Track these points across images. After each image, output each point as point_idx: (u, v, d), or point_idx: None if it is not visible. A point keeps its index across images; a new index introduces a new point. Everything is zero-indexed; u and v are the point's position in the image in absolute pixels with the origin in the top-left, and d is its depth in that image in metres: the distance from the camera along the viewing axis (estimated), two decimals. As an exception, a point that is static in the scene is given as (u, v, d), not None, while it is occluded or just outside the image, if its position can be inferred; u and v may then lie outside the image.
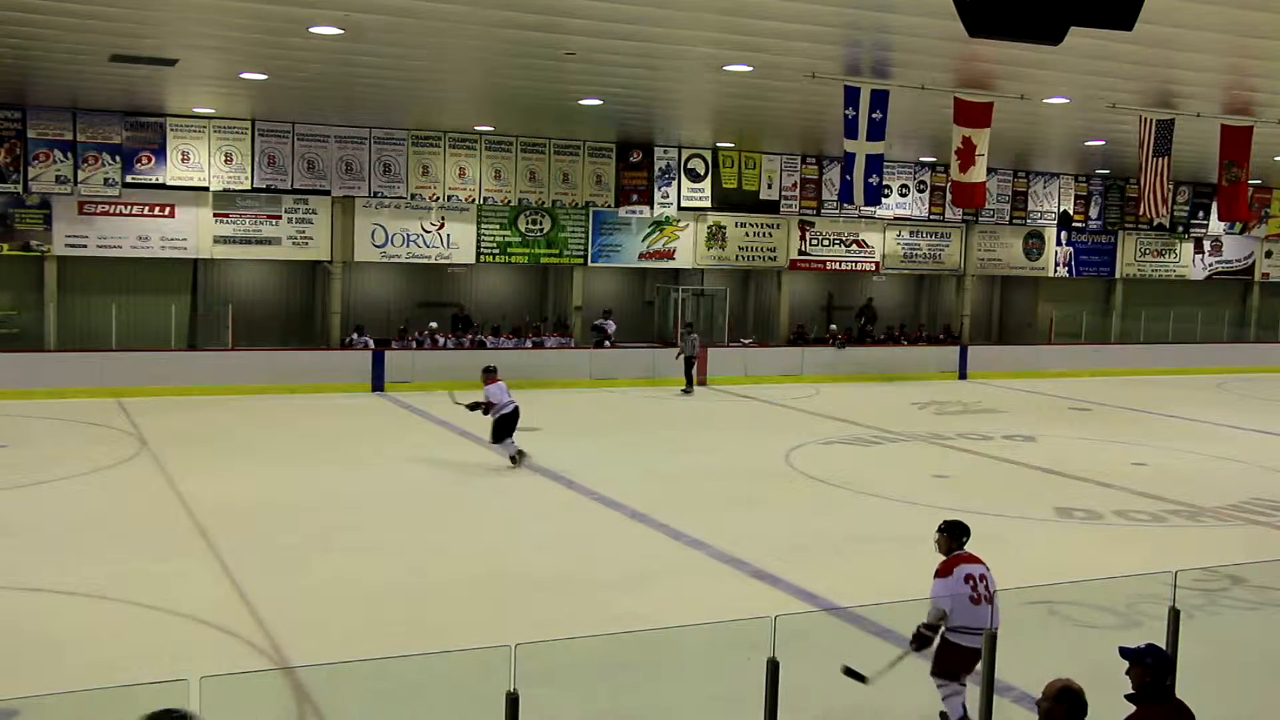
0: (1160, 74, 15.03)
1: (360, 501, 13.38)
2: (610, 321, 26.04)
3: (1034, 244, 30.63)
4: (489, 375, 16.08)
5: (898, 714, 7.92)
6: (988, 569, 7.50)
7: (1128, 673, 5.20)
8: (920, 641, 7.36)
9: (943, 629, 7.28)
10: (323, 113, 21.43)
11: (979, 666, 6.53)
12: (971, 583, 7.38)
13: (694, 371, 24.08)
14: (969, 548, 7.75)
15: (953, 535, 7.68)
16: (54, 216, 21.50)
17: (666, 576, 10.73)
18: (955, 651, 7.21)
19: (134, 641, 8.74)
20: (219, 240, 22.57)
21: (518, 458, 15.55)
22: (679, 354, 23.85)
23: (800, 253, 27.81)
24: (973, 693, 6.62)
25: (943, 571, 7.52)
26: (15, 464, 14.78)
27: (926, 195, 28.38)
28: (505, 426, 15.63)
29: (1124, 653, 5.21)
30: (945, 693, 7.32)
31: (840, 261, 28.42)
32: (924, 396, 23.87)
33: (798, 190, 27.00)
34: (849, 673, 7.33)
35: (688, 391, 23.56)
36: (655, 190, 25.57)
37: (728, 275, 27.81)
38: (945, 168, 17.10)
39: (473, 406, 15.87)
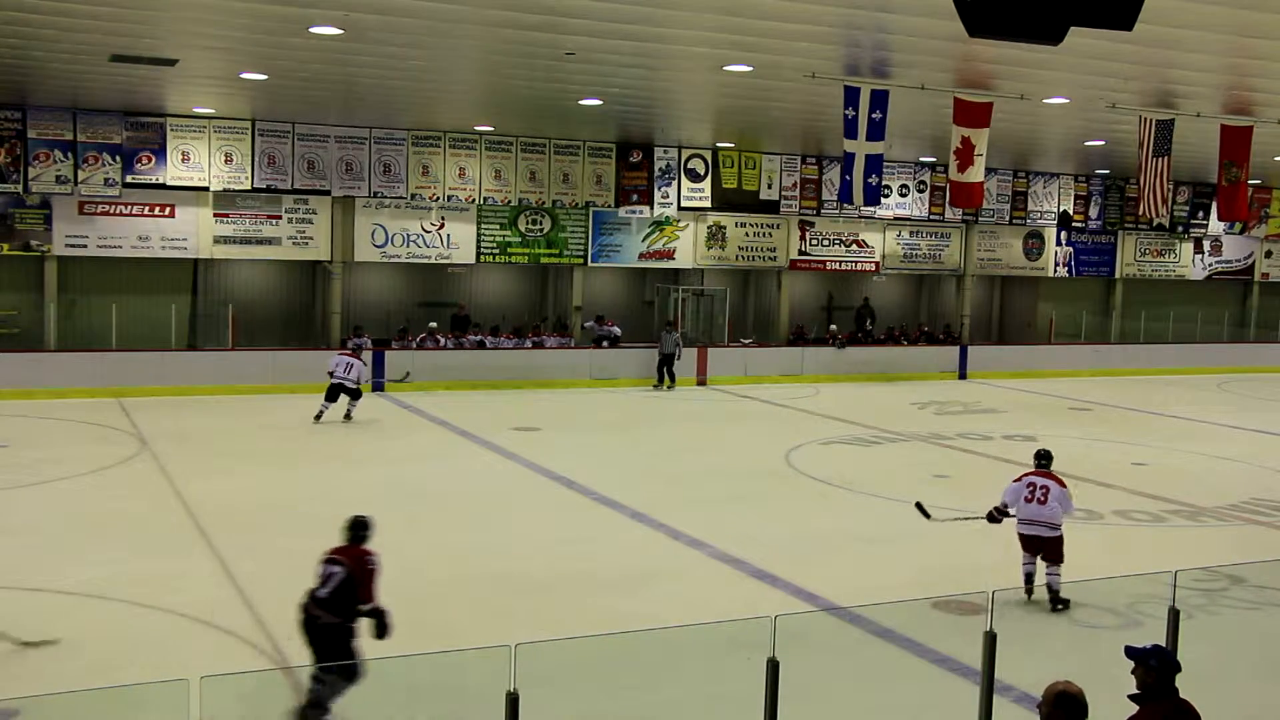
0: (1160, 74, 15.03)
1: (360, 501, 13.33)
2: (609, 328, 25.97)
3: (1034, 244, 30.63)
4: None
5: (890, 714, 7.93)
6: (1055, 483, 10.06)
7: (1133, 672, 5.20)
8: (990, 517, 10.32)
9: (1016, 517, 10.09)
10: (323, 113, 21.43)
11: (1038, 574, 9.74)
12: (1031, 489, 10.05)
13: (671, 369, 24.11)
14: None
15: (1036, 458, 10.62)
16: (54, 216, 21.49)
17: (666, 576, 10.73)
18: (1020, 535, 10.08)
19: (134, 641, 8.75)
20: (219, 240, 22.57)
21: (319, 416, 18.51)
22: (658, 351, 24.22)
23: (800, 253, 27.81)
24: (973, 692, 6.62)
25: (1017, 479, 10.34)
26: (15, 464, 14.78)
27: (926, 195, 28.38)
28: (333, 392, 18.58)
29: (1129, 652, 5.21)
30: (1023, 560, 10.11)
31: (840, 261, 28.42)
32: (924, 396, 23.87)
33: (798, 190, 27.00)
34: (919, 508, 10.63)
35: (660, 388, 23.84)
36: (655, 190, 25.57)
37: (728, 275, 27.81)
38: (945, 168, 17.12)
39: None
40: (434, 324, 24.42)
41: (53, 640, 8.39)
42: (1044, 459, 10.51)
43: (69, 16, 13.03)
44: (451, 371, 23.03)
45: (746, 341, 27.53)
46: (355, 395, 18.91)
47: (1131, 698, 5.14)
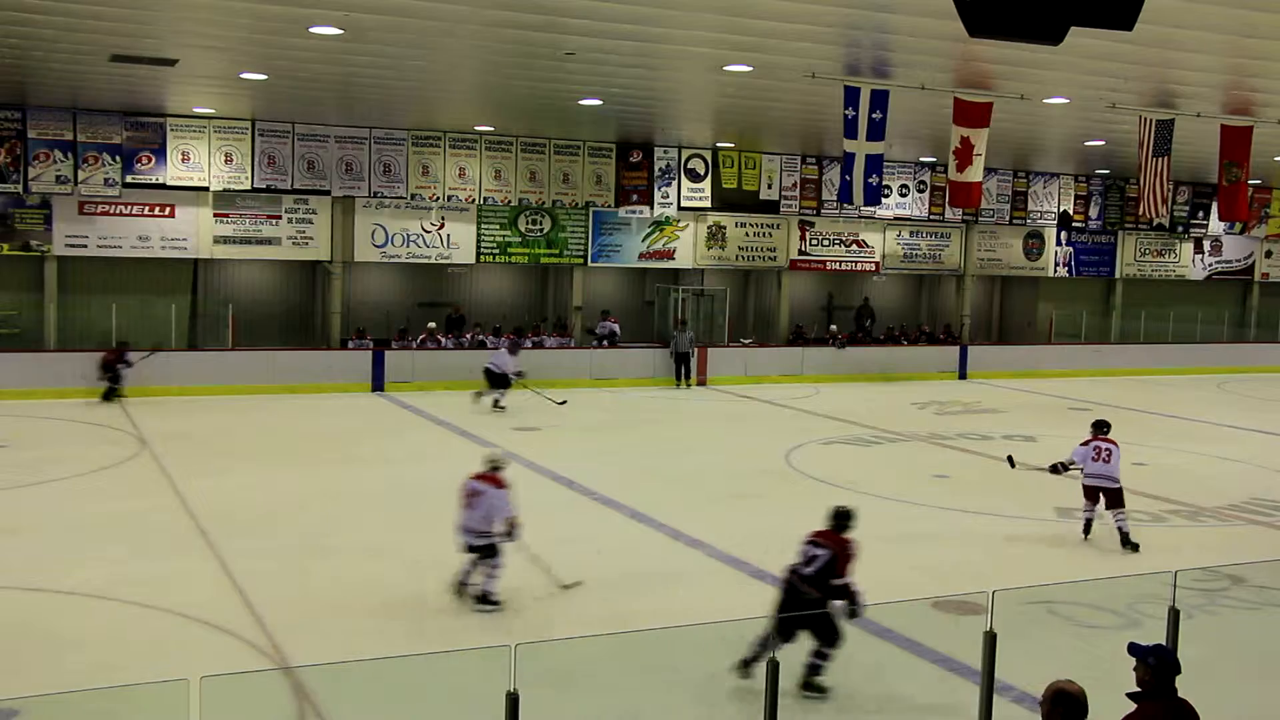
0: (1160, 74, 15.04)
1: (360, 501, 13.38)
2: (610, 324, 26.02)
3: (1034, 244, 30.63)
4: None
5: (890, 715, 7.93)
6: (1116, 447, 12.24)
7: (1135, 669, 5.22)
8: (1053, 469, 12.66)
9: (1080, 472, 12.32)
10: (323, 113, 21.43)
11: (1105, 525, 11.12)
12: (1097, 451, 12.18)
13: (688, 367, 24.25)
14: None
15: (1096, 426, 12.63)
16: (54, 216, 21.50)
17: (666, 576, 10.73)
18: (1085, 487, 12.26)
19: (134, 641, 8.74)
20: (219, 240, 22.58)
21: None
22: (670, 351, 24.38)
23: (800, 253, 27.81)
24: (973, 692, 6.62)
25: (1084, 443, 12.41)
26: (15, 464, 14.78)
27: (926, 195, 28.38)
28: None
29: (1132, 649, 5.24)
30: (1085, 509, 12.28)
31: (840, 261, 28.42)
32: (924, 396, 23.87)
33: (798, 190, 27.00)
34: (1010, 461, 13.19)
35: (680, 387, 24.00)
36: (655, 190, 25.57)
37: (728, 275, 27.81)
38: (945, 168, 17.14)
39: None
40: (433, 324, 24.44)
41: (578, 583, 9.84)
42: (1104, 427, 12.56)
43: (69, 16, 13.03)
44: (451, 371, 23.01)
45: (746, 341, 27.53)
46: (505, 385, 20.40)
47: (1130, 696, 5.15)
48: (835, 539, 8.32)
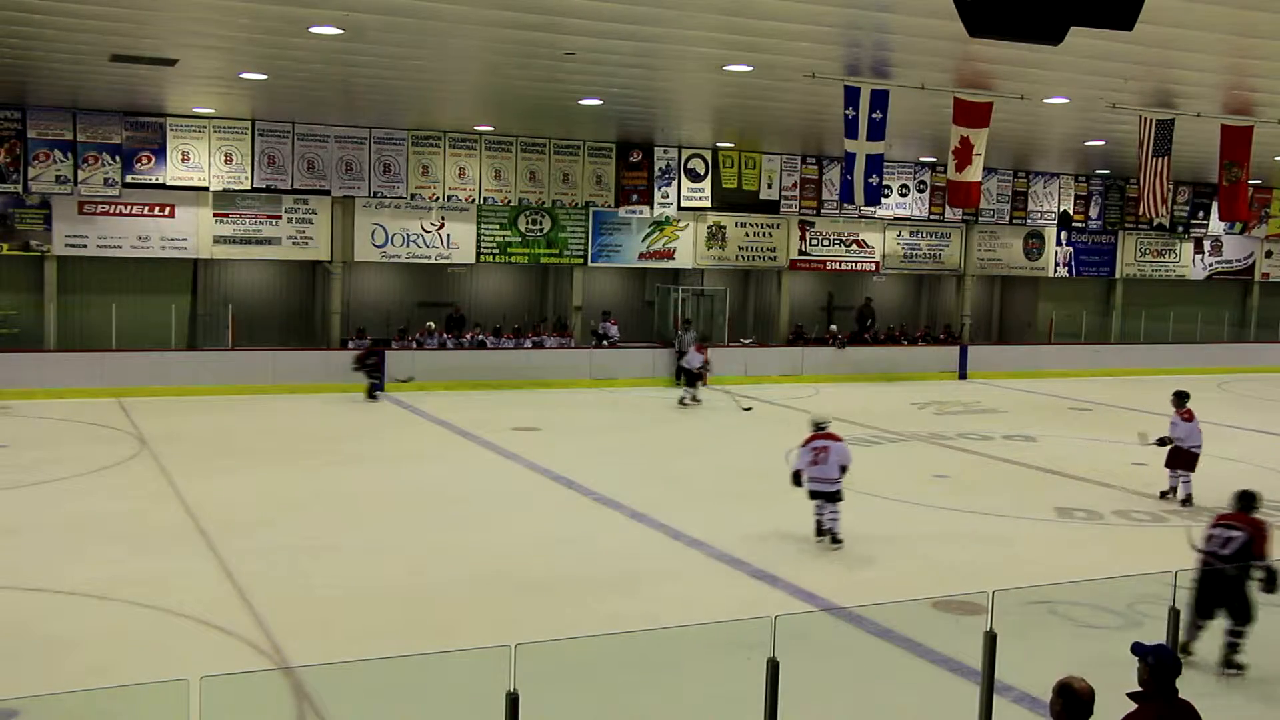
0: (1160, 74, 15.03)
1: (360, 501, 13.38)
2: (610, 325, 26.05)
3: (1034, 244, 30.63)
4: None
5: (890, 715, 7.93)
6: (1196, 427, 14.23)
7: (1137, 669, 5.24)
8: (1160, 440, 14.33)
9: (1179, 446, 14.20)
10: (323, 113, 21.43)
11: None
12: (1188, 416, 14.26)
13: (689, 376, 24.21)
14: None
15: (1178, 396, 14.60)
16: (54, 216, 21.50)
17: (667, 576, 10.73)
18: (1182, 454, 14.25)
19: (134, 641, 8.75)
20: (219, 240, 22.57)
21: None
22: (676, 352, 24.40)
23: (800, 253, 27.81)
24: (973, 692, 6.62)
25: (1188, 417, 14.26)
26: (15, 464, 14.78)
27: (926, 195, 28.38)
28: None
29: (1134, 649, 5.26)
30: (1170, 475, 14.34)
31: (840, 261, 28.42)
32: (924, 396, 23.87)
33: (798, 190, 27.00)
34: (1142, 437, 14.49)
35: (679, 386, 23.96)
36: (655, 190, 25.57)
37: (728, 275, 27.81)
38: (945, 168, 17.14)
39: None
40: (432, 324, 24.46)
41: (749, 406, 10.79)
42: (1185, 398, 14.55)
43: (69, 16, 13.03)
44: (451, 371, 23.03)
45: (746, 341, 27.53)
46: (696, 381, 22.02)
47: (1131, 696, 5.16)
48: (1249, 520, 8.78)
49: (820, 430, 12.14)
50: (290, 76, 16.96)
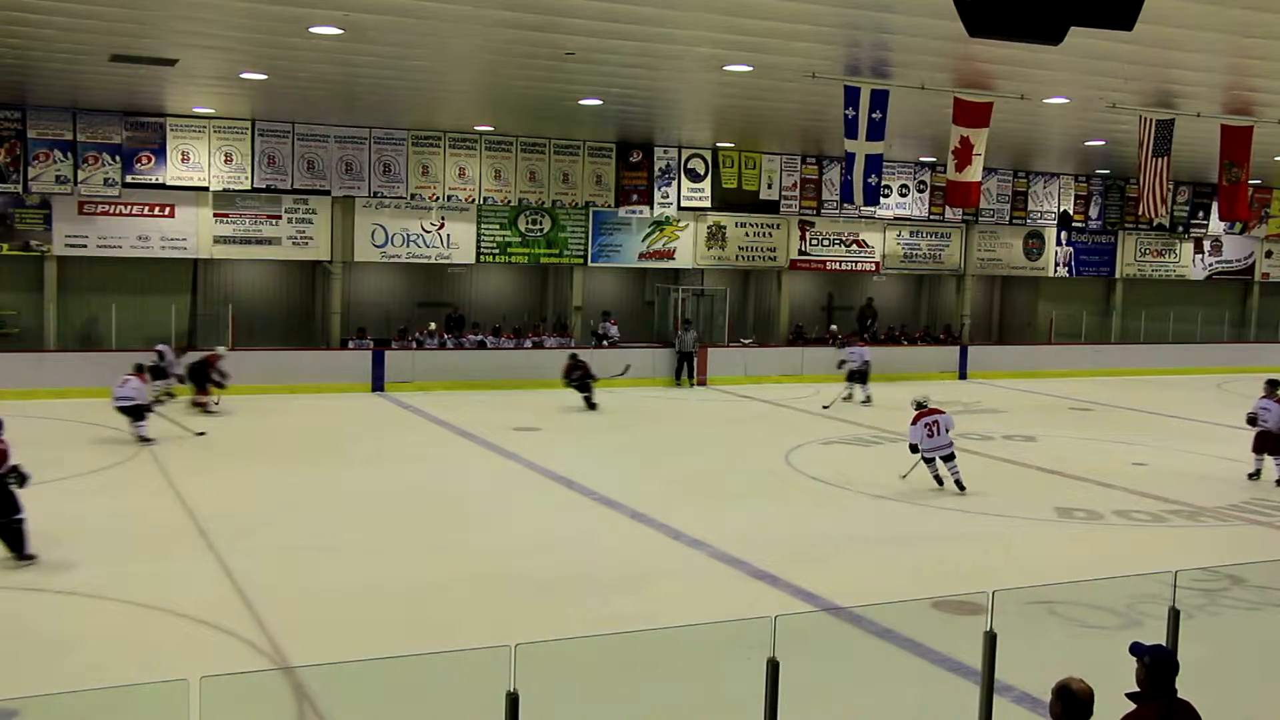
0: (1160, 74, 15.03)
1: (360, 501, 13.37)
2: (610, 325, 26.07)
3: (1034, 244, 30.63)
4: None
5: (890, 715, 7.93)
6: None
7: (1135, 669, 5.24)
8: (1249, 420, 15.77)
9: (1268, 430, 15.48)
10: (323, 113, 21.43)
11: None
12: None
13: (691, 366, 24.30)
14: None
15: (1269, 385, 16.05)
16: (54, 216, 21.50)
17: (666, 576, 10.73)
18: (1271, 438, 15.56)
19: (134, 641, 8.74)
20: (219, 240, 22.57)
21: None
22: (677, 352, 24.57)
23: (800, 253, 27.81)
24: (973, 692, 6.62)
25: (1277, 402, 15.56)
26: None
27: (926, 195, 28.38)
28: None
29: (1133, 649, 5.26)
30: (1255, 459, 15.75)
31: (840, 261, 28.42)
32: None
33: (798, 190, 27.00)
34: (1251, 419, 15.81)
35: (679, 386, 24.15)
36: (655, 190, 25.57)
37: (728, 275, 27.81)
38: (945, 167, 17.15)
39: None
40: (433, 324, 24.45)
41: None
42: (1276, 385, 15.88)
43: (69, 16, 13.03)
44: (451, 371, 23.02)
45: (746, 341, 27.53)
46: (860, 379, 22.39)
47: (1130, 696, 5.16)
48: None
49: (923, 408, 14.54)
50: (290, 76, 16.96)
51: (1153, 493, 14.65)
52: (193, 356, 19.97)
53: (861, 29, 12.76)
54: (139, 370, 17.06)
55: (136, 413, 16.47)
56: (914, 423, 14.48)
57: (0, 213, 21.22)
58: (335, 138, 22.87)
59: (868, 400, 22.17)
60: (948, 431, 14.38)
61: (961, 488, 14.29)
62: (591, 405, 20.79)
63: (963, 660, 7.96)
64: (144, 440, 16.30)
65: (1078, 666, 5.28)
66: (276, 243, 23.04)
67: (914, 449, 14.45)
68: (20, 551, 10.39)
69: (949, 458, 14.45)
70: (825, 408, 21.62)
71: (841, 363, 22.88)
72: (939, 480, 14.48)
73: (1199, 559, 11.15)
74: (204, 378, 19.44)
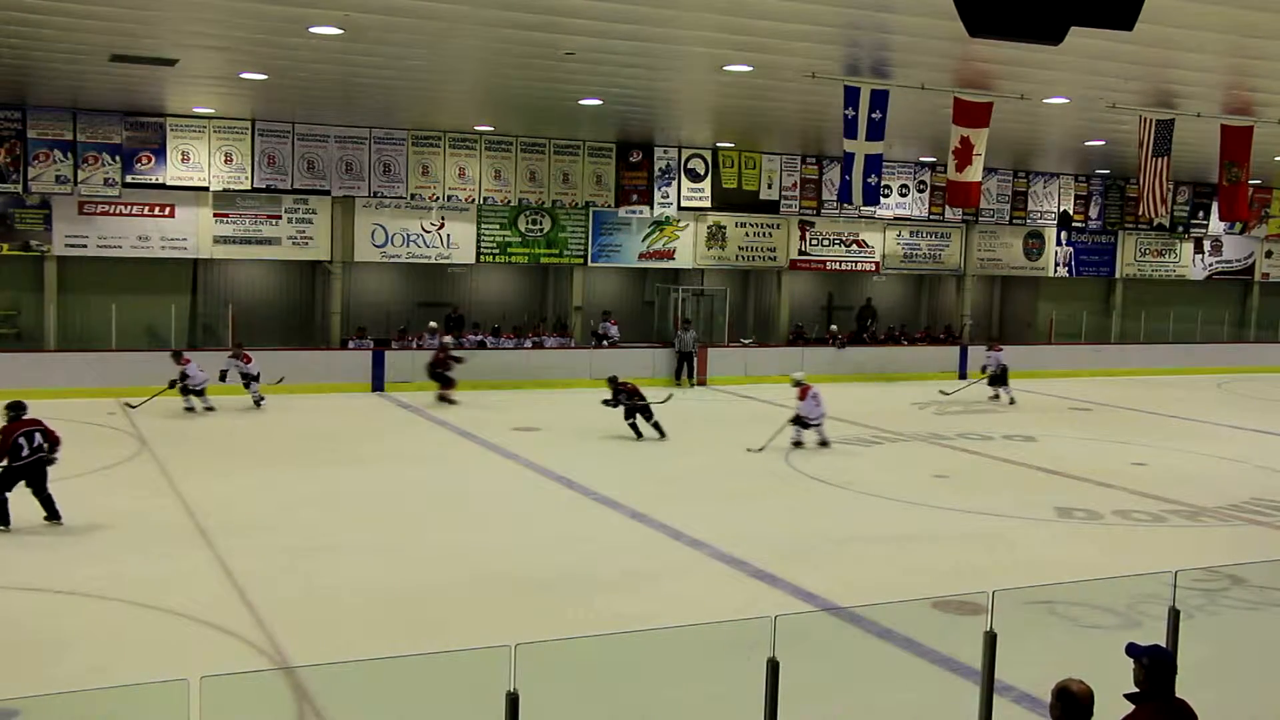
0: (1160, 74, 15.03)
1: (360, 501, 13.38)
2: (610, 325, 26.09)
3: (1034, 244, 30.63)
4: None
5: (890, 715, 7.93)
6: None
7: (1133, 670, 5.24)
8: None
9: None
10: (323, 113, 21.43)
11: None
12: None
13: (691, 367, 24.31)
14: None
15: None
16: (54, 216, 21.50)
17: (666, 576, 10.73)
18: None
19: (134, 641, 8.74)
20: (219, 240, 22.57)
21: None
22: (677, 352, 24.63)
23: (800, 253, 27.81)
24: (973, 692, 6.62)
25: None
26: (15, 464, 14.73)
27: (926, 195, 28.38)
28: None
29: (1129, 649, 5.26)
30: None
31: (840, 261, 28.42)
32: (924, 396, 23.86)
33: (798, 190, 27.00)
34: None
35: (679, 386, 24.10)
36: (655, 190, 25.57)
37: (728, 275, 27.81)
38: (945, 167, 17.16)
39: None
40: (434, 324, 24.45)
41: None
42: None
43: (69, 16, 13.03)
44: (451, 372, 22.98)
45: (746, 341, 27.53)
46: (1000, 383, 23.38)
47: (1128, 697, 5.16)
48: None
49: (804, 385, 17.11)
50: (290, 76, 16.97)
51: (1152, 493, 14.65)
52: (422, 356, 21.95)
53: (861, 29, 12.77)
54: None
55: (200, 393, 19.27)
56: (803, 398, 16.82)
57: (0, 213, 21.22)
58: (335, 138, 22.87)
59: (1012, 401, 23.04)
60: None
61: (825, 444, 17.13)
62: (660, 431, 18.05)
63: (963, 660, 7.96)
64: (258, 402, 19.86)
65: (1078, 666, 5.28)
66: (276, 243, 23.04)
67: (802, 421, 16.81)
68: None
69: (820, 427, 17.17)
70: (945, 394, 23.65)
71: (984, 367, 23.92)
72: (798, 444, 16.96)
73: (1199, 559, 11.15)
74: (443, 373, 21.31)
